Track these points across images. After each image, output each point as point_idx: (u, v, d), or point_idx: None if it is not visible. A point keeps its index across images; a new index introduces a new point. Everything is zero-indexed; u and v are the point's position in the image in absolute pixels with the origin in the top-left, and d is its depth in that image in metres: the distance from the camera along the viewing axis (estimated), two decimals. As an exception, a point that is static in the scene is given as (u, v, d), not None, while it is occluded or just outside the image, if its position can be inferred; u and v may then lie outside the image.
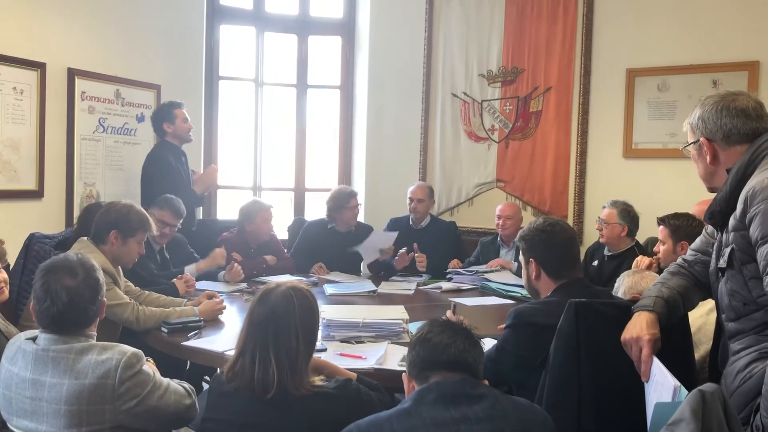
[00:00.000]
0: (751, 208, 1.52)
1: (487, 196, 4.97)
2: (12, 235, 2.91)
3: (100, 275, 1.86)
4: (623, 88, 4.47)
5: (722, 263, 1.64)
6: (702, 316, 2.29)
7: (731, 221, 1.60)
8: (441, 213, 5.03)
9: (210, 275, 3.66)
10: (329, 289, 3.56)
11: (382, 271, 4.31)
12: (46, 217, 3.88)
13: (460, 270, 3.98)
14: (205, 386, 3.26)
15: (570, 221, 4.62)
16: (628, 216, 3.58)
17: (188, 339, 2.55)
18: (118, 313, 2.62)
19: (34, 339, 1.78)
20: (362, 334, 2.53)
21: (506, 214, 4.21)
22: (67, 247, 2.72)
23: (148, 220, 2.83)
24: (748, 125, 1.65)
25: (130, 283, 2.93)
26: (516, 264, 3.96)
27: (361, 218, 4.52)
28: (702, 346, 2.19)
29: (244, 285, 3.61)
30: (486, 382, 1.59)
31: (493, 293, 3.60)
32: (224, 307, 2.91)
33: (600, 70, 4.56)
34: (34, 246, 3.01)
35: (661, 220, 2.94)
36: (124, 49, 4.34)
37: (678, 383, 1.42)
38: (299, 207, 5.41)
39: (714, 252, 1.74)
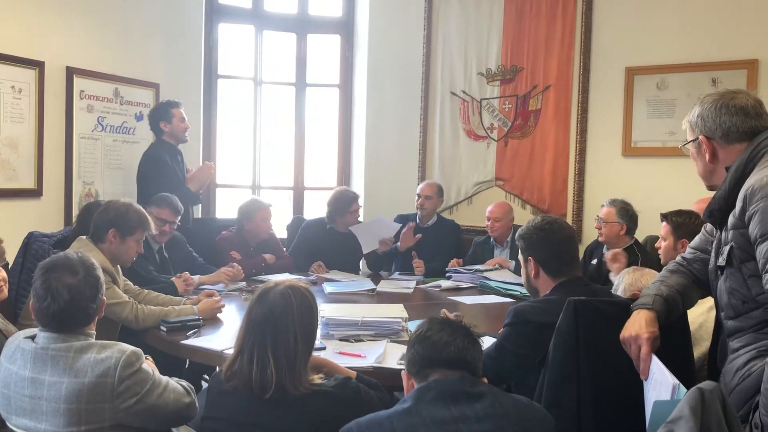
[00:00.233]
0: (750, 206, 1.52)
1: (487, 194, 4.97)
2: (11, 234, 2.90)
3: (100, 273, 1.86)
4: (622, 86, 4.47)
5: (721, 261, 1.64)
6: (703, 314, 2.29)
7: (730, 219, 1.60)
8: (440, 211, 5.02)
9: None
10: (328, 287, 3.56)
11: (381, 267, 4.32)
12: (44, 216, 3.88)
13: (459, 268, 3.98)
14: (204, 385, 3.26)
15: (569, 219, 4.62)
16: (627, 214, 3.58)
17: (187, 338, 2.55)
18: (117, 311, 2.62)
19: (33, 338, 1.78)
20: (361, 332, 2.53)
21: (494, 216, 4.19)
22: (66, 246, 2.72)
23: (147, 220, 2.83)
24: (747, 123, 1.65)
25: (129, 282, 2.93)
26: (514, 262, 3.96)
27: (360, 218, 4.52)
28: (703, 344, 2.19)
29: (243, 284, 3.61)
30: (485, 379, 1.59)
31: (492, 291, 3.60)
32: (223, 306, 2.91)
33: (599, 69, 4.56)
34: (32, 245, 3.01)
35: (664, 217, 2.93)
36: (123, 48, 4.33)
37: (677, 381, 1.42)
38: (298, 206, 5.41)
39: (713, 250, 1.74)
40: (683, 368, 1.76)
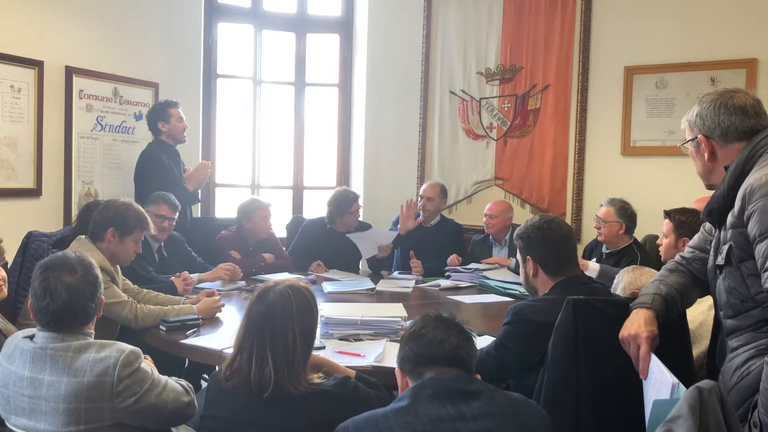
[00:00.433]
0: (749, 205, 1.52)
1: (486, 193, 4.97)
2: (10, 233, 2.90)
3: (99, 273, 1.87)
4: (621, 85, 4.47)
5: (720, 260, 1.64)
6: (703, 312, 2.29)
7: (729, 218, 1.60)
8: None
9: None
10: (328, 287, 3.56)
11: (381, 266, 4.32)
12: (44, 216, 3.88)
13: (458, 268, 3.98)
14: (204, 384, 3.26)
15: (568, 219, 4.62)
16: (626, 213, 3.58)
17: (186, 337, 2.54)
18: (116, 311, 2.62)
19: (31, 337, 1.78)
20: (361, 331, 2.53)
21: (491, 212, 4.19)
22: (65, 246, 2.71)
23: (146, 219, 2.82)
24: (745, 122, 1.65)
25: (128, 281, 2.93)
26: (514, 260, 3.96)
27: (360, 218, 4.51)
28: (702, 342, 2.20)
29: (242, 283, 3.61)
30: (478, 376, 1.58)
31: (491, 291, 3.60)
32: (222, 305, 2.90)
33: (598, 68, 4.56)
34: (32, 244, 3.01)
35: (667, 214, 2.92)
36: (122, 47, 4.33)
37: (676, 380, 1.42)
38: (297, 205, 5.41)
39: (712, 249, 1.74)
40: (682, 367, 1.76)
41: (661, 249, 2.95)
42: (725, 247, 1.62)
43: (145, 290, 2.97)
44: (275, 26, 5.30)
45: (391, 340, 2.48)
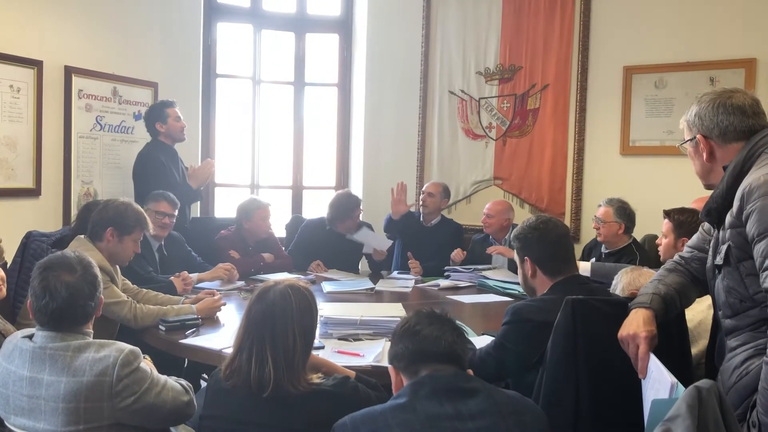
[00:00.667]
0: (747, 205, 1.52)
1: (485, 193, 4.97)
2: (9, 233, 2.90)
3: (98, 272, 1.87)
4: (620, 85, 4.47)
5: (719, 260, 1.64)
6: (702, 311, 2.30)
7: (728, 218, 1.61)
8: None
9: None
10: (327, 286, 3.56)
11: (381, 266, 4.32)
12: (43, 216, 3.88)
13: (457, 267, 3.98)
14: (203, 384, 3.26)
15: (567, 218, 4.63)
16: (625, 213, 3.58)
17: (186, 337, 2.55)
18: (115, 311, 2.62)
19: (30, 337, 1.78)
20: (360, 331, 2.53)
21: (488, 212, 4.18)
22: (65, 245, 2.71)
23: (146, 219, 2.82)
24: (744, 122, 1.66)
25: (127, 281, 2.93)
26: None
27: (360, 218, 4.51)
28: (701, 341, 2.20)
29: (241, 283, 3.61)
30: (471, 372, 1.58)
31: (490, 290, 3.60)
32: (222, 305, 2.90)
33: (597, 68, 4.57)
34: (31, 244, 3.01)
35: (666, 214, 2.92)
36: (122, 47, 4.33)
37: (675, 380, 1.42)
38: (297, 205, 5.41)
39: (710, 249, 1.74)
40: (681, 366, 1.77)
41: (660, 249, 2.95)
42: (724, 247, 1.62)
43: (144, 290, 2.97)
44: (275, 26, 5.30)
45: (390, 340, 2.47)
